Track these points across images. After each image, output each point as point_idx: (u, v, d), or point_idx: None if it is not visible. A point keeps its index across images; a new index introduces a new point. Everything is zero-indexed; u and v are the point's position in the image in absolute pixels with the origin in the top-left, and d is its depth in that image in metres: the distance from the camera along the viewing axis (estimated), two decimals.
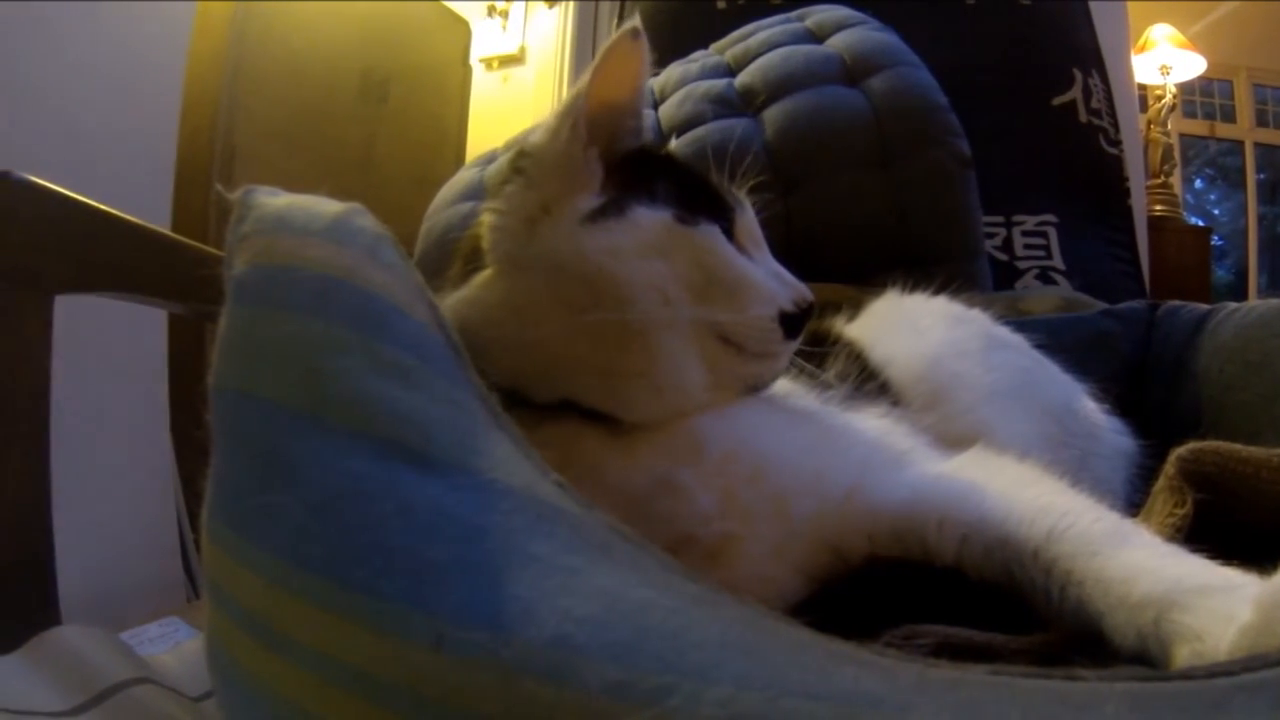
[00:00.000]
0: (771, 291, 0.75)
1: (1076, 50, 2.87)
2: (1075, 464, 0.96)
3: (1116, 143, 2.85)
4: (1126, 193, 2.85)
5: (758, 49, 2.27)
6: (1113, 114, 2.89)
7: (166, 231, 1.38)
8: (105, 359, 1.80)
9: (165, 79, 2.15)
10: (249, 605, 0.43)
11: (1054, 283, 2.45)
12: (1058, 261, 2.51)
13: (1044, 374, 1.14)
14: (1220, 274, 6.28)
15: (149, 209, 1.90)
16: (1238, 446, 0.70)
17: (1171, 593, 0.49)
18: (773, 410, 0.77)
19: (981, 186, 2.09)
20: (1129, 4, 3.60)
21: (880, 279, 1.35)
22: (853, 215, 2.00)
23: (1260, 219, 6.36)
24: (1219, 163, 6.73)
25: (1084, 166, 2.76)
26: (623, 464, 0.67)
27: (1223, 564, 0.52)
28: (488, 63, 4.16)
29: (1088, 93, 2.79)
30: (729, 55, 2.33)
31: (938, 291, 1.21)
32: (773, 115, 2.06)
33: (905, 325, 1.11)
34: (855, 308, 1.18)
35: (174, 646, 0.97)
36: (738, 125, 2.04)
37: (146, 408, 2.01)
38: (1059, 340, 1.20)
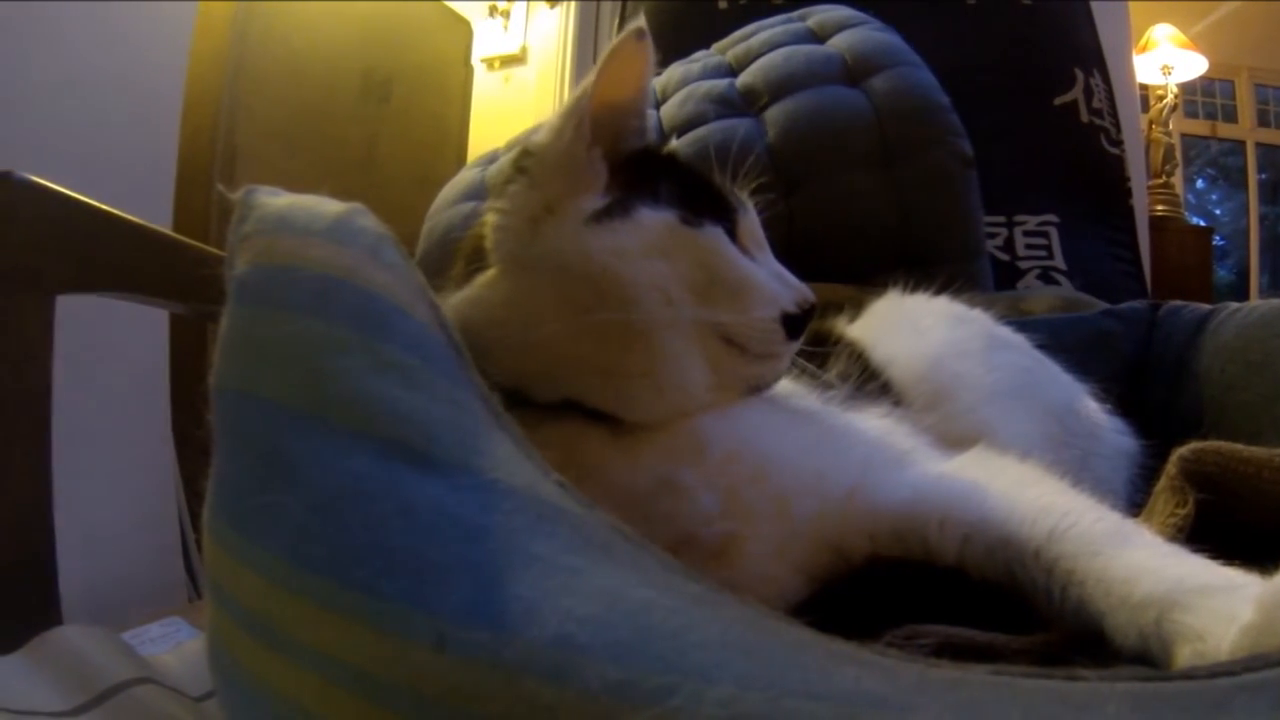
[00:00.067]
0: (774, 293, 0.75)
1: (1078, 50, 2.87)
2: (1077, 464, 0.96)
3: (1118, 143, 2.85)
4: (1128, 193, 2.85)
5: (759, 49, 2.27)
6: (1114, 114, 2.89)
7: (168, 231, 1.38)
8: (106, 359, 1.80)
9: (166, 79, 2.15)
10: (250, 605, 0.43)
11: (1055, 283, 2.45)
12: (1059, 261, 2.51)
13: (1045, 374, 1.14)
14: (1222, 274, 6.28)
15: (150, 209, 1.90)
16: (1239, 446, 0.70)
17: (1173, 593, 0.49)
18: (774, 410, 0.77)
19: (983, 186, 2.09)
20: (1130, 4, 3.60)
21: (881, 279, 1.35)
22: (854, 215, 2.00)
23: (1262, 219, 6.36)
24: (1220, 163, 6.73)
25: (1085, 166, 2.75)
26: (624, 464, 0.67)
27: (1224, 564, 0.52)
28: (489, 63, 4.15)
29: (1089, 93, 2.79)
30: (730, 55, 2.33)
31: (939, 291, 1.21)
32: (774, 115, 2.07)
33: (906, 325, 1.11)
34: (857, 308, 1.18)
35: (175, 646, 0.97)
36: (740, 125, 2.04)
37: (148, 407, 2.01)
38: (1060, 340, 1.20)
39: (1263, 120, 6.35)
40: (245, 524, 0.44)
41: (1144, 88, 4.68)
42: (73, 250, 1.08)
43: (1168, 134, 4.77)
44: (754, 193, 0.84)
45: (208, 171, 2.69)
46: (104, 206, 1.10)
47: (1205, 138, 6.45)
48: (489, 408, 0.50)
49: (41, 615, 0.93)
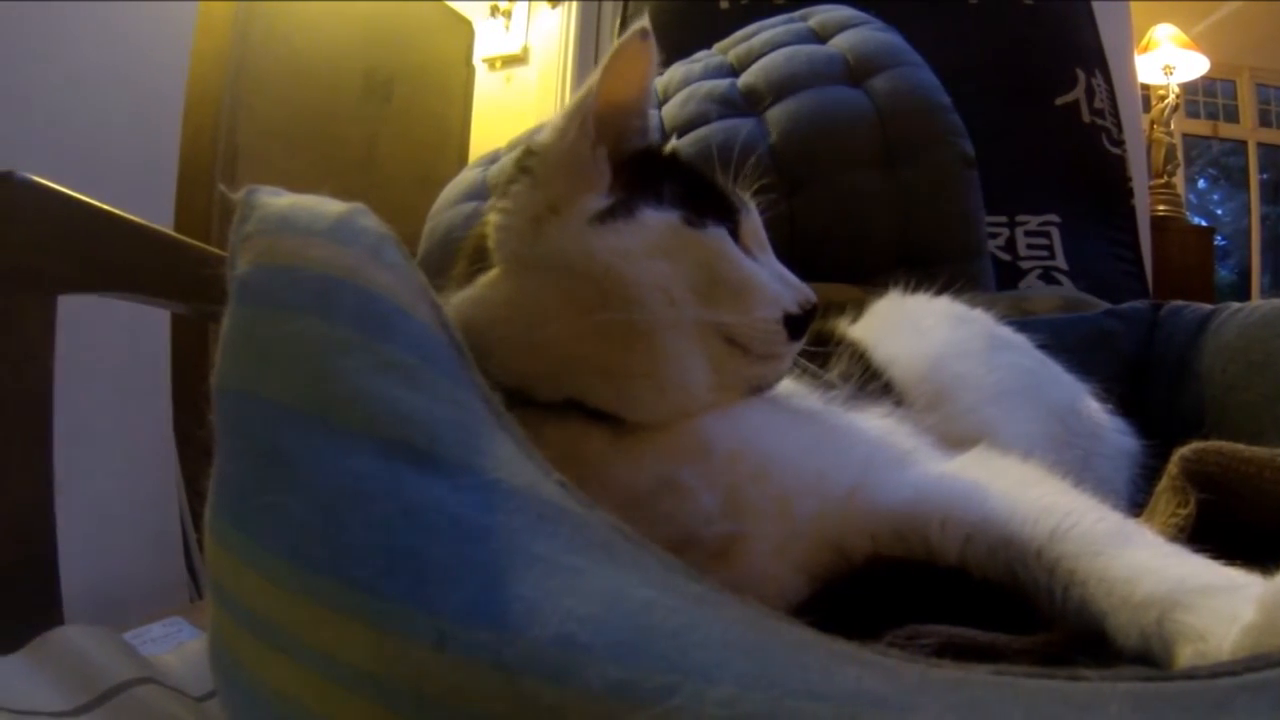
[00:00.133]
0: (776, 294, 0.75)
1: (1079, 50, 2.87)
2: (1078, 464, 0.96)
3: (1119, 143, 2.85)
4: (1129, 193, 2.85)
5: (761, 49, 2.27)
6: (1116, 114, 2.89)
7: (169, 231, 1.38)
8: (108, 359, 1.80)
9: (168, 79, 2.15)
10: (252, 605, 0.43)
11: (1057, 283, 2.45)
12: (1060, 261, 2.51)
13: (1047, 374, 1.14)
14: (1223, 274, 6.28)
15: (152, 209, 1.91)
16: (1241, 446, 0.69)
17: (1174, 593, 0.49)
18: (776, 410, 0.77)
19: (984, 186, 2.09)
20: (1132, 4, 3.60)
21: (883, 279, 1.35)
22: (855, 215, 2.00)
23: (1263, 219, 6.36)
24: (1222, 163, 6.73)
25: (1087, 166, 2.76)
26: (626, 464, 0.67)
27: (1225, 564, 0.52)
28: (490, 63, 4.16)
29: (1091, 93, 2.79)
30: (732, 55, 2.33)
31: (940, 291, 1.21)
32: (776, 116, 2.06)
33: (908, 325, 1.11)
34: (858, 308, 1.18)
35: (177, 646, 0.97)
36: (742, 126, 2.04)
37: (149, 407, 2.02)
38: (1062, 340, 1.20)
39: (1264, 120, 6.35)
40: (247, 524, 0.44)
41: (1145, 88, 4.69)
42: (74, 250, 1.08)
43: (1169, 134, 4.77)
44: (756, 193, 0.84)
45: (209, 171, 2.69)
46: (105, 206, 1.11)
47: (1207, 138, 6.46)
48: (490, 408, 0.51)
49: (43, 615, 0.93)
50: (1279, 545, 0.48)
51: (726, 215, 0.77)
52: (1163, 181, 4.58)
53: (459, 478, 0.44)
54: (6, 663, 0.78)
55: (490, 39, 4.15)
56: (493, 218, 0.74)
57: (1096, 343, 1.47)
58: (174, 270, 1.20)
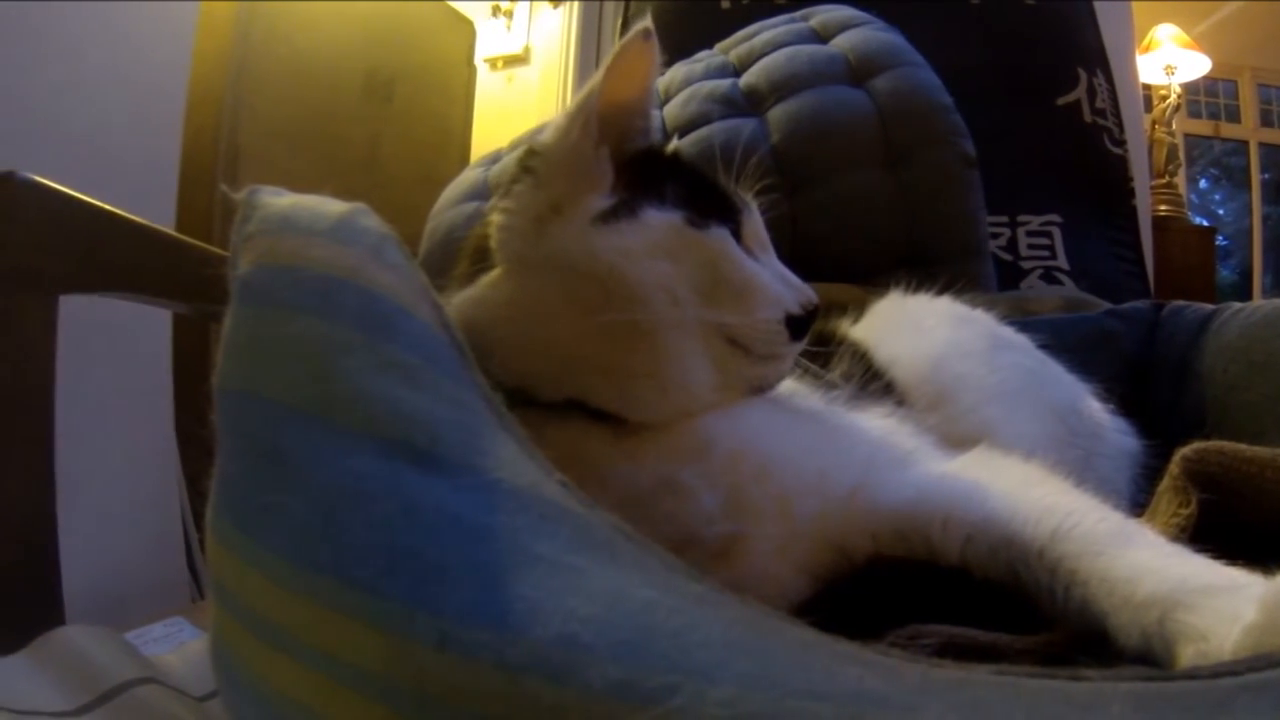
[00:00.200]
0: (778, 294, 0.75)
1: (1081, 50, 2.87)
2: (1080, 464, 0.96)
3: (1121, 143, 2.85)
4: (1131, 193, 2.85)
5: (762, 49, 2.27)
6: (1117, 114, 2.89)
7: (171, 231, 1.38)
8: (109, 359, 1.80)
9: (170, 79, 2.15)
10: (254, 605, 0.43)
11: (1058, 283, 2.45)
12: (1062, 261, 2.51)
13: (1048, 374, 1.14)
14: (1225, 274, 6.28)
15: (153, 209, 1.91)
16: (1242, 446, 0.70)
17: (1176, 592, 0.49)
18: (777, 410, 0.77)
19: (986, 186, 2.09)
20: (1134, 4, 3.60)
21: (884, 279, 1.35)
22: (857, 216, 2.00)
23: (1265, 219, 6.36)
24: (1223, 163, 6.73)
25: (1088, 166, 2.75)
26: (627, 464, 0.67)
27: (1227, 564, 0.52)
28: (492, 63, 4.16)
29: (1092, 93, 2.79)
30: (733, 55, 2.33)
31: (942, 292, 1.21)
32: (777, 116, 2.06)
33: (909, 326, 1.11)
34: (860, 308, 1.18)
35: (179, 646, 0.97)
36: (744, 126, 2.04)
37: (151, 407, 2.02)
38: (1063, 340, 1.20)
39: (1266, 120, 6.35)
40: (248, 524, 0.44)
41: (1147, 88, 4.69)
42: (75, 250, 1.08)
43: (1171, 134, 4.77)
44: (757, 194, 0.84)
45: (211, 171, 2.69)
46: (107, 206, 1.11)
47: (1208, 138, 6.46)
48: (492, 408, 0.51)
49: (44, 615, 0.93)
50: None
51: (729, 216, 0.77)
52: (1164, 181, 4.58)
53: (460, 478, 0.44)
54: (8, 663, 0.78)
55: (492, 39, 4.15)
56: (495, 217, 0.74)
57: (1098, 343, 1.47)
58: (175, 270, 1.20)
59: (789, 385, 0.81)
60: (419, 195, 2.54)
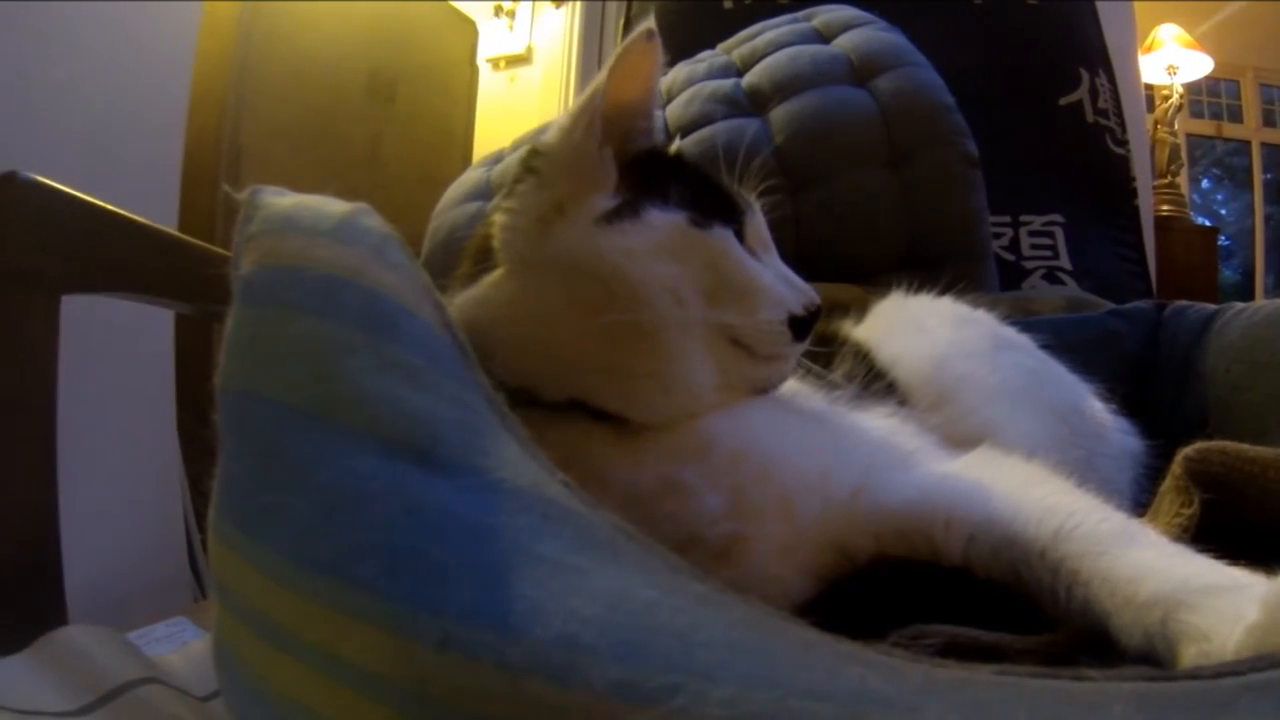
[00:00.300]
0: (781, 295, 0.75)
1: (1083, 50, 2.87)
2: (1082, 464, 0.96)
3: (1123, 143, 2.85)
4: (1133, 193, 2.85)
5: (765, 49, 2.27)
6: (1119, 114, 2.89)
7: (173, 231, 1.38)
8: (111, 359, 1.80)
9: (172, 79, 2.15)
10: (256, 605, 0.43)
11: (1061, 283, 2.45)
12: (1064, 261, 2.51)
13: (1051, 374, 1.14)
14: (1227, 274, 6.28)
15: (156, 209, 1.91)
16: (1245, 446, 0.70)
17: (1178, 592, 0.49)
18: (780, 410, 0.77)
19: (988, 186, 2.09)
20: (1136, 4, 3.60)
21: (887, 279, 1.35)
22: (859, 216, 2.00)
23: (1267, 219, 6.36)
24: (1226, 163, 6.72)
25: (1091, 166, 2.76)
26: (630, 464, 0.67)
27: (1229, 564, 0.52)
28: (494, 63, 4.15)
29: (1094, 93, 2.79)
30: (736, 55, 2.33)
31: (944, 292, 1.21)
32: (779, 116, 2.07)
33: (912, 326, 1.11)
34: (862, 309, 1.18)
35: (181, 646, 0.97)
36: (747, 127, 2.04)
37: (153, 407, 2.02)
38: (1065, 340, 1.20)
39: (1268, 120, 6.35)
40: (250, 524, 0.44)
41: (1149, 88, 4.68)
42: (78, 250, 1.08)
43: (1173, 134, 4.76)
44: (760, 194, 0.84)
45: (213, 171, 2.69)
46: (109, 206, 1.11)
47: (1210, 138, 6.45)
48: (494, 408, 0.50)
49: (47, 615, 0.93)
50: None
51: (732, 216, 0.77)
52: (1166, 181, 4.58)
53: (463, 478, 0.44)
54: (10, 663, 0.78)
55: (494, 39, 4.15)
56: (498, 218, 0.74)
57: (1100, 343, 1.47)
58: (178, 270, 1.20)
59: (791, 385, 0.81)
60: (421, 195, 2.55)
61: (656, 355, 0.69)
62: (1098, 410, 1.13)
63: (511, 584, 0.39)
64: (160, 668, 0.82)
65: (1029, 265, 2.50)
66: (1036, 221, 2.56)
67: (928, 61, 2.16)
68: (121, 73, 1.98)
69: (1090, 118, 2.75)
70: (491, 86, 4.15)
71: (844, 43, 2.23)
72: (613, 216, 0.70)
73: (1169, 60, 4.81)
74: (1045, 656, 0.55)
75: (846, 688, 0.35)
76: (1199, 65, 4.93)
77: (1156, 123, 4.68)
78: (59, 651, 0.80)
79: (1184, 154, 5.10)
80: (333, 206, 0.57)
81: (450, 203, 2.30)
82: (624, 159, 0.74)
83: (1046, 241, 2.54)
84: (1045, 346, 1.17)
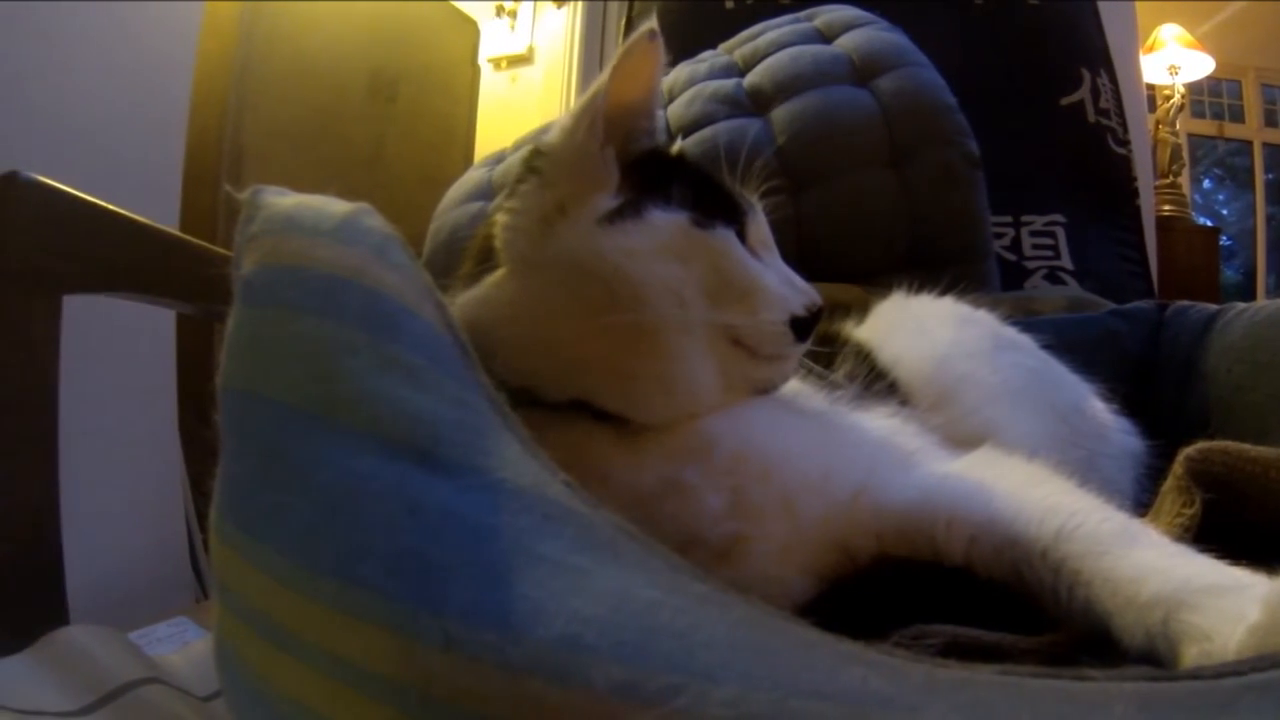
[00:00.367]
0: (783, 296, 0.75)
1: (1085, 50, 2.87)
2: (1083, 464, 0.96)
3: (1125, 143, 2.85)
4: (1135, 193, 2.85)
5: (766, 49, 2.27)
6: (1121, 114, 2.89)
7: (174, 231, 1.38)
8: (113, 359, 1.80)
9: (173, 79, 2.15)
10: (257, 605, 0.43)
11: (1062, 283, 2.45)
12: (1066, 261, 2.51)
13: (1052, 374, 1.14)
14: (1228, 274, 6.27)
15: (157, 209, 1.91)
16: (1246, 446, 0.70)
17: (1180, 592, 0.49)
18: (781, 410, 0.77)
19: (989, 186, 2.09)
20: (1137, 4, 3.60)
21: (888, 279, 1.35)
22: (861, 216, 2.00)
23: (1269, 219, 6.35)
24: (1227, 163, 6.72)
25: (1092, 166, 2.76)
26: (631, 464, 0.67)
27: (1231, 564, 0.52)
28: (496, 63, 4.16)
29: (1096, 93, 2.79)
30: (737, 55, 2.33)
31: (945, 292, 1.21)
32: (781, 116, 2.07)
33: (913, 326, 1.11)
34: (864, 309, 1.18)
35: (182, 646, 0.97)
36: (749, 127, 2.04)
37: (155, 407, 2.02)
38: (1066, 340, 1.20)
39: (1270, 120, 6.35)
40: (252, 524, 0.44)
41: (1151, 88, 4.68)
42: (79, 250, 1.08)
43: (1174, 134, 4.76)
44: (762, 195, 0.84)
45: (215, 171, 2.69)
46: (111, 206, 1.11)
47: (1212, 138, 6.45)
48: (496, 408, 0.50)
49: (48, 615, 0.93)
50: None
51: (733, 217, 0.76)
52: (1168, 181, 4.57)
53: (464, 478, 0.44)
54: (12, 662, 0.78)
55: (495, 39, 4.15)
56: (500, 217, 0.74)
57: (1102, 343, 1.47)
58: (179, 270, 1.21)
59: (793, 386, 0.80)
60: (423, 195, 2.55)
61: (658, 355, 0.69)
62: (1099, 410, 1.13)
63: (513, 584, 0.39)
64: (162, 668, 0.82)
65: (1030, 265, 2.50)
66: (1038, 221, 2.56)
67: (929, 61, 2.17)
68: (123, 73, 1.98)
69: (1092, 118, 2.75)
70: (493, 86, 4.15)
71: (846, 43, 2.23)
72: (615, 217, 0.70)
73: (1170, 60, 4.81)
74: (1047, 656, 0.55)
75: (848, 688, 0.35)
76: (1200, 65, 4.93)
77: (1158, 123, 4.67)
78: (60, 651, 0.80)
79: (1185, 154, 5.08)
80: (334, 206, 0.57)
81: (452, 203, 2.30)
82: (626, 159, 0.73)
83: (1048, 241, 2.54)
84: (1046, 346, 1.16)
